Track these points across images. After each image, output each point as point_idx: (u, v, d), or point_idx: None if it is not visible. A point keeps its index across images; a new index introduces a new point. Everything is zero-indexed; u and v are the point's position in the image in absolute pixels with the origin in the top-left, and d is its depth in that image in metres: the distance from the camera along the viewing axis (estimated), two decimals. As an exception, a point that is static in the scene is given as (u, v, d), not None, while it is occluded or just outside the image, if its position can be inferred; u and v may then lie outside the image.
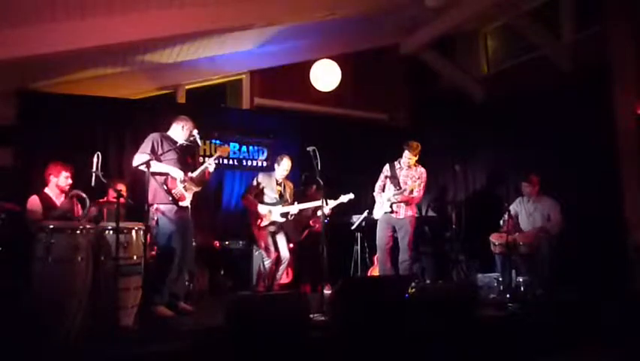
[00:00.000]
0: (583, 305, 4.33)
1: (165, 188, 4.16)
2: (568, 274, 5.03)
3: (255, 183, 5.32)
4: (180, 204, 4.22)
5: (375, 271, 5.75)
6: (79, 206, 4.54)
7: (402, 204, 5.15)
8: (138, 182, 4.32)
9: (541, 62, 6.76)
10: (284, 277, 5.62)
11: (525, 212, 5.49)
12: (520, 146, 6.22)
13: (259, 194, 5.27)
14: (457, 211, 6.01)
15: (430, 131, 7.34)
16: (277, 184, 5.34)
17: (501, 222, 5.51)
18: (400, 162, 5.32)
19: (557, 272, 5.03)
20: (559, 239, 5.19)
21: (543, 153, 5.89)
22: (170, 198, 4.17)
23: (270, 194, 5.27)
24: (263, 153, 6.97)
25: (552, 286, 4.86)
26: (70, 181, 4.50)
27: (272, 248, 5.20)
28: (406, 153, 5.22)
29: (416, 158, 5.25)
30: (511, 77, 7.34)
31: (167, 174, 4.21)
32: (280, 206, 5.23)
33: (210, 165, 4.45)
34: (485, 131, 6.75)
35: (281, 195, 5.30)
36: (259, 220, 5.17)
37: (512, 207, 5.50)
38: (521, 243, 5.20)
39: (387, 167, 5.40)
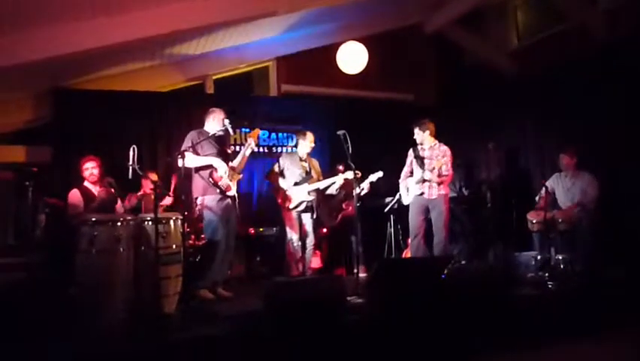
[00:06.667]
0: (627, 283, 4.21)
1: (212, 181, 4.27)
2: (611, 251, 4.88)
3: (275, 165, 5.31)
4: (228, 194, 4.33)
5: (408, 254, 5.73)
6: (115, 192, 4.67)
7: (433, 184, 5.09)
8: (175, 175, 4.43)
9: (575, 32, 6.51)
10: (316, 261, 5.64)
11: (562, 187, 5.35)
12: (555, 121, 6.04)
13: (280, 175, 5.23)
14: (492, 190, 5.90)
15: (459, 109, 7.21)
16: (301, 160, 5.28)
17: (537, 198, 5.39)
18: (420, 145, 5.27)
19: (600, 249, 4.90)
20: (600, 215, 5.04)
21: (579, 127, 5.69)
22: (218, 191, 4.29)
23: (296, 171, 5.19)
24: (292, 139, 6.98)
25: (594, 263, 4.74)
26: (95, 171, 4.61)
27: (299, 229, 5.16)
28: (420, 134, 5.19)
29: (431, 134, 5.19)
30: (544, 49, 7.10)
31: (210, 167, 4.30)
32: (307, 184, 5.16)
33: (248, 150, 4.56)
34: (518, 107, 6.57)
35: (307, 173, 5.23)
36: (287, 202, 5.16)
37: (549, 183, 5.37)
38: (560, 220, 5.08)
39: (410, 151, 5.37)
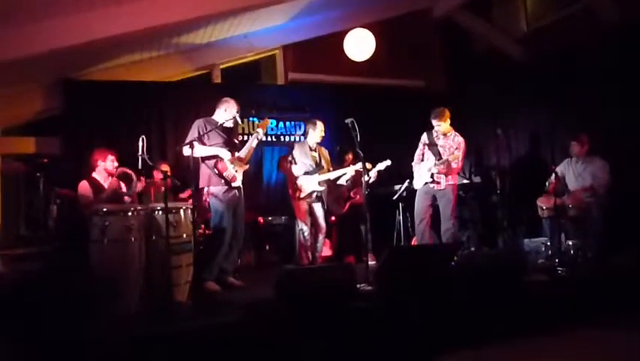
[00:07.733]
0: (637, 269, 4.19)
1: (217, 172, 4.27)
2: (623, 237, 4.84)
3: (288, 156, 5.30)
4: (233, 185, 4.32)
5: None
6: (124, 184, 4.71)
7: (442, 175, 5.06)
8: (184, 165, 4.44)
9: (584, 15, 6.40)
10: (325, 249, 5.65)
11: (573, 173, 5.30)
12: (564, 106, 5.97)
13: (291, 164, 5.22)
14: (501, 176, 5.87)
15: (469, 95, 7.15)
16: (311, 150, 5.26)
17: (547, 184, 5.35)
18: (435, 131, 5.21)
19: (611, 234, 4.86)
20: (611, 200, 4.99)
21: (589, 112, 5.62)
22: (223, 182, 4.28)
23: (306, 161, 5.17)
24: (300, 127, 6.98)
25: (605, 249, 4.71)
26: (116, 164, 4.66)
27: (309, 218, 5.16)
28: (435, 122, 5.07)
29: (447, 123, 5.09)
30: (552, 33, 7.00)
31: (216, 157, 4.29)
32: (317, 174, 5.16)
33: (254, 140, 4.53)
34: (527, 92, 6.50)
35: (317, 163, 5.22)
36: (298, 192, 5.16)
37: (559, 169, 5.33)
38: (570, 205, 5.05)
39: (424, 136, 5.29)
